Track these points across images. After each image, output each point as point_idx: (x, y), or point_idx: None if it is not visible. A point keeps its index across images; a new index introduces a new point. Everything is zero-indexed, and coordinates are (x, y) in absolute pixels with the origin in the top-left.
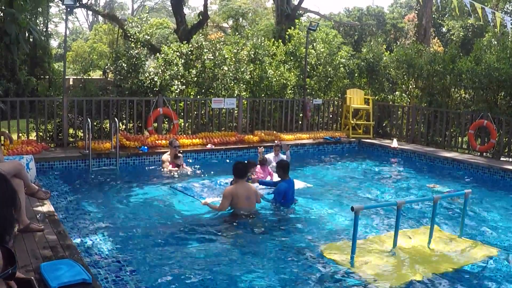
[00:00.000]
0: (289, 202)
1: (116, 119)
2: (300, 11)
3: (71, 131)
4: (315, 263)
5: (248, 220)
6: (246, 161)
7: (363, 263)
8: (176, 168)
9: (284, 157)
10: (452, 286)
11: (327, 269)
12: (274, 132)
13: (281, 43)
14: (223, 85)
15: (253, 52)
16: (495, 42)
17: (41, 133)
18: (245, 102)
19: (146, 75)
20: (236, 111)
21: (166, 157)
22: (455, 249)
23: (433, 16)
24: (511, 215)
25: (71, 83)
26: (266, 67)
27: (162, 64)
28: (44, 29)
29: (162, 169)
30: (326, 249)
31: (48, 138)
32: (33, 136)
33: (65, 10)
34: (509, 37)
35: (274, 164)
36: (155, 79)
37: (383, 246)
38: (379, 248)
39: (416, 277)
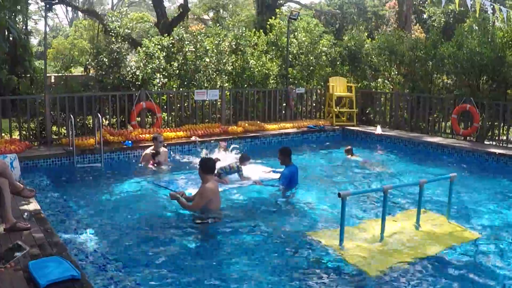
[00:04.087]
0: (294, 186)
1: (99, 115)
2: (281, 1)
3: (54, 128)
4: (304, 250)
5: (235, 211)
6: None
7: (352, 249)
8: (152, 167)
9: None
10: (439, 268)
11: (316, 255)
12: (258, 122)
13: (263, 33)
14: (205, 77)
15: (234, 43)
16: (476, 27)
17: (24, 132)
18: (228, 93)
19: (127, 70)
20: (219, 103)
21: (146, 152)
22: (443, 233)
23: (414, 3)
24: (495, 198)
25: (52, 80)
26: (248, 58)
27: (144, 57)
28: (24, 27)
29: (140, 164)
30: (315, 235)
31: (31, 137)
32: (16, 135)
33: (44, 7)
34: (490, 22)
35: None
36: (137, 73)
37: (371, 231)
38: (367, 233)
39: (404, 260)
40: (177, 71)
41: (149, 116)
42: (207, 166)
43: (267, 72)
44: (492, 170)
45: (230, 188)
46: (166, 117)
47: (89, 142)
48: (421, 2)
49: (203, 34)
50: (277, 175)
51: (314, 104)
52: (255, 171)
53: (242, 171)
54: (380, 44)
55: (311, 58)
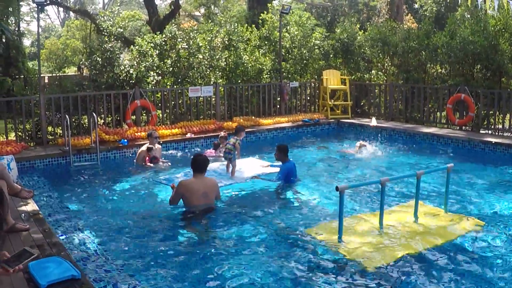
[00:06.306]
0: (292, 182)
1: (94, 114)
2: None
3: (49, 128)
4: (303, 244)
5: (232, 207)
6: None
7: (350, 243)
8: (150, 164)
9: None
10: (440, 260)
11: (315, 250)
12: (253, 117)
13: (255, 28)
14: (199, 74)
15: (227, 39)
16: (468, 16)
17: (20, 133)
18: (222, 89)
19: (121, 68)
20: (213, 99)
21: (142, 149)
22: (441, 224)
23: None
24: (493, 187)
25: (46, 81)
26: (241, 53)
27: (137, 56)
28: (16, 29)
29: (135, 161)
30: (313, 230)
31: (27, 138)
32: (12, 136)
33: (36, 9)
34: (482, 9)
35: (221, 154)
36: (131, 72)
37: (370, 224)
38: (366, 227)
39: (404, 253)
40: (171, 68)
41: (144, 114)
42: (193, 162)
43: (260, 67)
44: (489, 159)
45: (229, 184)
46: (161, 115)
47: (85, 141)
48: None
49: (195, 31)
50: (275, 169)
51: (308, 98)
52: (253, 165)
53: (240, 140)
54: (372, 36)
55: (304, 51)
